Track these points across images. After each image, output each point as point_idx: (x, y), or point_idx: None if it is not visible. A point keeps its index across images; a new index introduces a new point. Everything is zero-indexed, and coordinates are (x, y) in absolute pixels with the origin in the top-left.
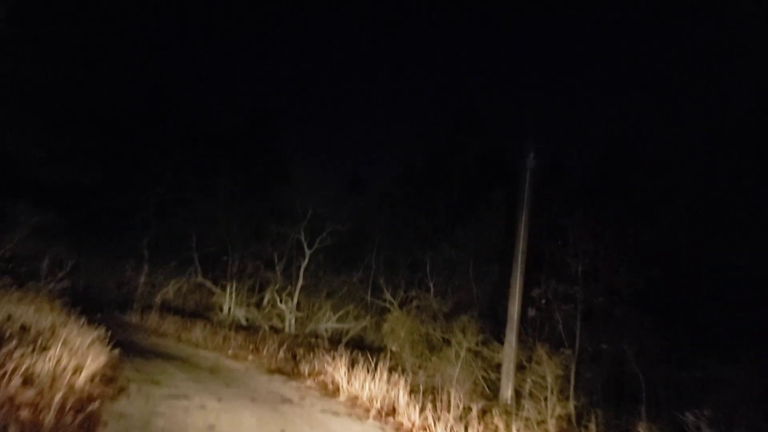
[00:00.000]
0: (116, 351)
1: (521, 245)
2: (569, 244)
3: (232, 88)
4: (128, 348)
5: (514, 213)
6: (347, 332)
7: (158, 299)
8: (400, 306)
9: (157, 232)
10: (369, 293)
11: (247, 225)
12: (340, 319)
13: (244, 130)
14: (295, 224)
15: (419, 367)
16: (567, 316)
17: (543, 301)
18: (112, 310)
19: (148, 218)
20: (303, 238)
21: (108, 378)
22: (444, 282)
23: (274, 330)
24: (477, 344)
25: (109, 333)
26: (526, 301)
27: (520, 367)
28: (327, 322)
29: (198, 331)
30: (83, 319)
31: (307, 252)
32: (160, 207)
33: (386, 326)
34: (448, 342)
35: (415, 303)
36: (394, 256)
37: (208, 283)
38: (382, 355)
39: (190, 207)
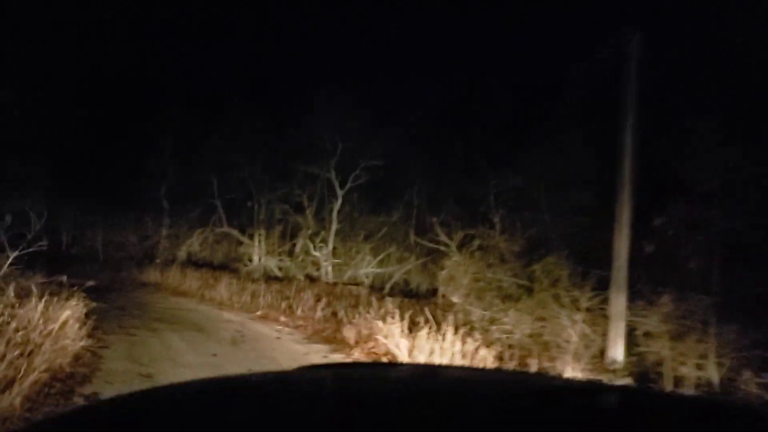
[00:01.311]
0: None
1: (627, 162)
2: (696, 155)
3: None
4: (128, 316)
5: (593, 123)
6: (390, 277)
7: (183, 252)
8: (459, 248)
9: (174, 180)
10: (412, 233)
11: (271, 166)
12: (381, 264)
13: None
14: (324, 162)
15: (491, 322)
16: (699, 250)
17: (669, 232)
18: (131, 268)
19: (164, 166)
20: (334, 177)
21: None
22: (510, 216)
23: (310, 279)
24: (568, 290)
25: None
26: (638, 234)
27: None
28: (367, 267)
29: (223, 288)
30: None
31: (339, 192)
32: (175, 152)
33: (444, 273)
34: (528, 290)
35: (476, 243)
36: (438, 190)
37: (235, 232)
38: (435, 303)
39: (207, 150)
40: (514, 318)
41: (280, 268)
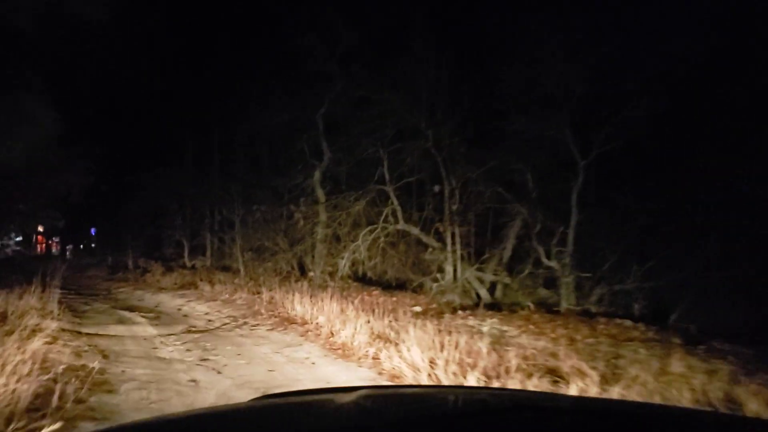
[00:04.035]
0: None
1: None
2: None
3: None
4: None
5: None
6: None
7: (345, 262)
8: None
9: (332, 162)
10: None
11: (467, 123)
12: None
13: None
14: (551, 115)
15: None
16: None
17: None
18: (276, 287)
19: (317, 142)
20: (570, 140)
21: None
22: None
23: (547, 308)
24: None
25: None
26: None
27: None
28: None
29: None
30: None
31: (580, 163)
32: (329, 123)
33: None
34: None
35: None
36: None
37: (416, 231)
38: None
39: (369, 113)
40: None
41: (492, 288)
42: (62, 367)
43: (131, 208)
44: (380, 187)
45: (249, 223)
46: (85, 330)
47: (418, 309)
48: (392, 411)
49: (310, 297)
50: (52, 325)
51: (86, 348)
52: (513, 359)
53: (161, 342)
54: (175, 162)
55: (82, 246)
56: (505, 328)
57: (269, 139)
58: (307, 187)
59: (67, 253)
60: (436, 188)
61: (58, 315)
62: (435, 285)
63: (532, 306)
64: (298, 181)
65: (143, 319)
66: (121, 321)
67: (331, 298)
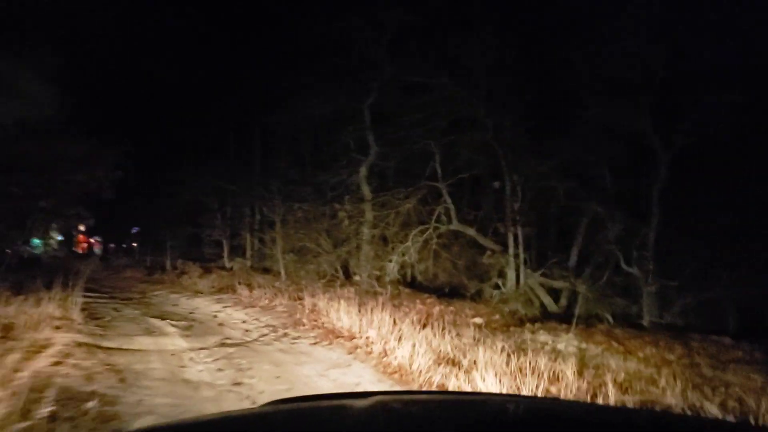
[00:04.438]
0: None
1: None
2: None
3: None
4: None
5: None
6: None
7: (393, 266)
8: None
9: (378, 156)
10: None
11: (531, 112)
12: None
13: None
14: (628, 102)
15: None
16: None
17: None
18: (316, 291)
19: (364, 135)
20: (650, 129)
21: None
22: None
23: (628, 322)
24: None
25: None
26: None
27: None
28: None
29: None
30: None
31: (663, 157)
32: (376, 115)
33: None
34: None
35: None
36: None
37: (471, 231)
38: None
39: (421, 103)
40: None
41: (558, 298)
42: (62, 395)
43: (170, 205)
44: (432, 184)
45: (290, 223)
46: (105, 343)
47: (479, 321)
48: (405, 419)
49: (358, 306)
50: (65, 339)
51: (101, 369)
52: (609, 387)
53: (190, 359)
54: (216, 158)
55: (124, 245)
56: (584, 345)
57: (312, 133)
58: (351, 183)
59: (109, 251)
60: (496, 184)
61: (80, 324)
62: (496, 292)
63: (610, 318)
64: (343, 178)
65: (174, 329)
66: (150, 331)
67: (381, 308)
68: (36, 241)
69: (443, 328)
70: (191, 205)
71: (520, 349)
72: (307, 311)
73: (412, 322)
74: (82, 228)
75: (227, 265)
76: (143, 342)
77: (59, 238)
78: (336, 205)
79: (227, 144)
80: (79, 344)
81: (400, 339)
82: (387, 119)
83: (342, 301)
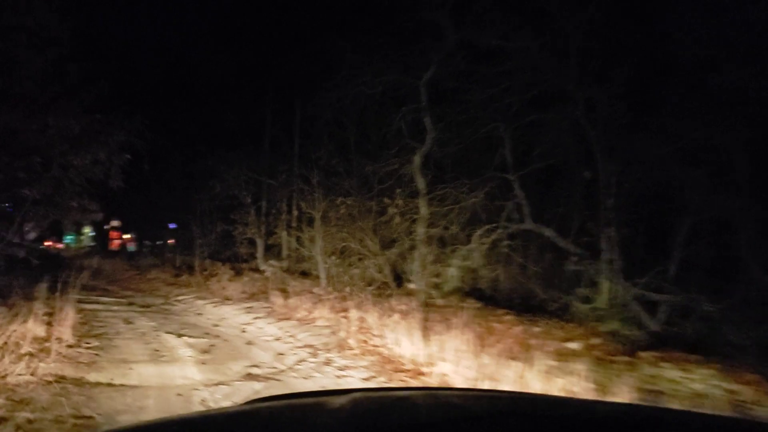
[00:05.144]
0: None
1: None
2: None
3: None
4: None
5: None
6: None
7: (454, 272)
8: None
9: (433, 144)
10: None
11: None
12: None
13: None
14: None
15: None
16: None
17: None
18: (369, 303)
19: (419, 117)
20: None
21: None
22: None
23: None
24: None
25: None
26: None
27: None
28: None
29: None
30: None
31: None
32: (434, 93)
33: None
34: None
35: None
36: None
37: (549, 232)
38: None
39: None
40: None
41: (668, 316)
42: None
43: (201, 199)
44: (501, 175)
45: (331, 220)
46: (92, 376)
47: (575, 346)
48: (385, 415)
49: (422, 326)
50: (40, 370)
51: (67, 427)
52: None
53: (202, 401)
54: (251, 146)
55: (159, 243)
56: (726, 385)
57: (358, 117)
58: (404, 175)
59: (144, 248)
60: (587, 174)
61: (68, 347)
62: (587, 308)
63: (754, 347)
64: (393, 168)
65: (189, 352)
66: (159, 354)
67: (450, 327)
68: (69, 237)
69: (532, 357)
70: (223, 199)
71: (650, 393)
72: (353, 328)
73: (498, 352)
74: (114, 224)
75: (261, 267)
76: (143, 373)
77: (92, 234)
78: (385, 199)
79: (263, 131)
80: (59, 378)
81: (484, 377)
82: (447, 99)
83: (398, 316)
